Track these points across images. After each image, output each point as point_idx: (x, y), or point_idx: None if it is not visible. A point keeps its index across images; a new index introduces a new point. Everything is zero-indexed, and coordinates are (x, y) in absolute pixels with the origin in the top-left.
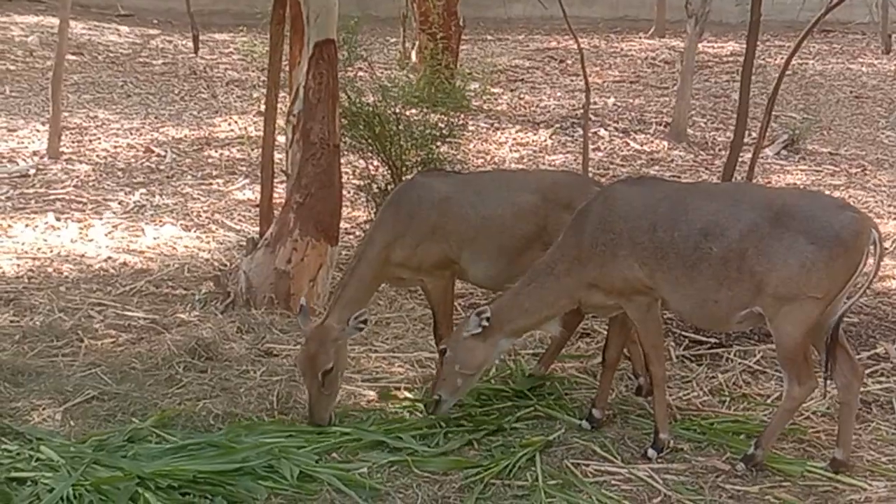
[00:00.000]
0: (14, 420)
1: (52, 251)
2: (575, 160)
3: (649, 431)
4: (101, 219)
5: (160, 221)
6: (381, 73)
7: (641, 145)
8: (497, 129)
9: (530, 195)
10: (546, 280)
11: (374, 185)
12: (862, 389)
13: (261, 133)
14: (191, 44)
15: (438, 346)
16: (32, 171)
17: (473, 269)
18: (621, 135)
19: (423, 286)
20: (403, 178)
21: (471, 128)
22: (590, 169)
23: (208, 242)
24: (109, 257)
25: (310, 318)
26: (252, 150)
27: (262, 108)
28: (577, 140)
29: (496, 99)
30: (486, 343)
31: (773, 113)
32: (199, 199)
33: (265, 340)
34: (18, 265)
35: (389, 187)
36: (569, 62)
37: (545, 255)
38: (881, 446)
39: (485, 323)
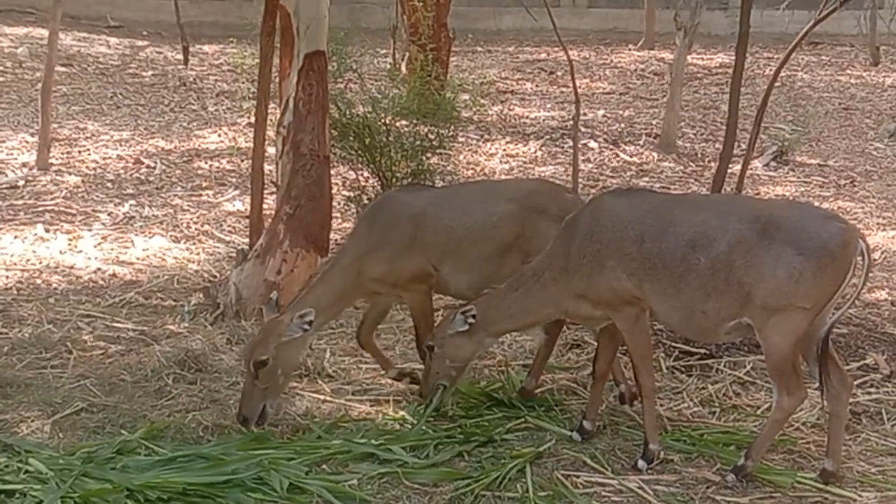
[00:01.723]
0: (2, 432)
1: (41, 262)
2: (565, 171)
3: (639, 442)
4: (90, 230)
5: (149, 233)
6: (371, 84)
7: (631, 157)
8: (487, 140)
9: (507, 204)
10: (532, 287)
11: (364, 197)
12: (851, 400)
13: (250, 144)
14: (180, 55)
15: (421, 344)
16: (21, 183)
17: (455, 280)
18: (611, 146)
19: (403, 301)
20: None
21: (461, 139)
22: (579, 180)
23: (198, 254)
24: (98, 269)
25: (275, 312)
26: (242, 161)
27: (252, 119)
28: (566, 151)
29: (486, 110)
30: (471, 339)
31: (763, 125)
32: (188, 210)
33: None
34: (7, 277)
35: None
36: (559, 74)
37: (533, 262)
38: (871, 457)
39: (471, 320)
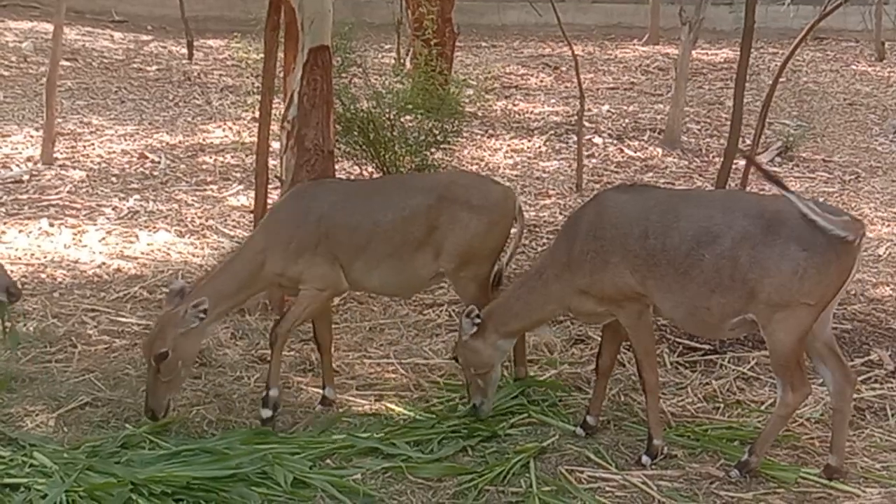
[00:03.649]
0: (7, 426)
1: (45, 257)
2: (569, 167)
3: (643, 438)
4: (94, 224)
5: (154, 227)
6: (376, 79)
7: (635, 152)
8: (491, 135)
9: (421, 196)
10: (535, 285)
11: None
12: (855, 396)
13: (255, 139)
14: (185, 50)
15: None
16: (26, 177)
17: (366, 277)
18: (615, 141)
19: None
20: None
21: (465, 134)
22: (584, 176)
23: (202, 248)
24: (103, 263)
25: (174, 301)
26: (246, 156)
27: (257, 114)
28: (571, 147)
29: (490, 105)
30: (485, 343)
31: (767, 120)
32: (193, 205)
33: (259, 346)
34: (12, 271)
35: None
36: (563, 69)
37: (538, 260)
38: (875, 453)
39: (476, 320)
